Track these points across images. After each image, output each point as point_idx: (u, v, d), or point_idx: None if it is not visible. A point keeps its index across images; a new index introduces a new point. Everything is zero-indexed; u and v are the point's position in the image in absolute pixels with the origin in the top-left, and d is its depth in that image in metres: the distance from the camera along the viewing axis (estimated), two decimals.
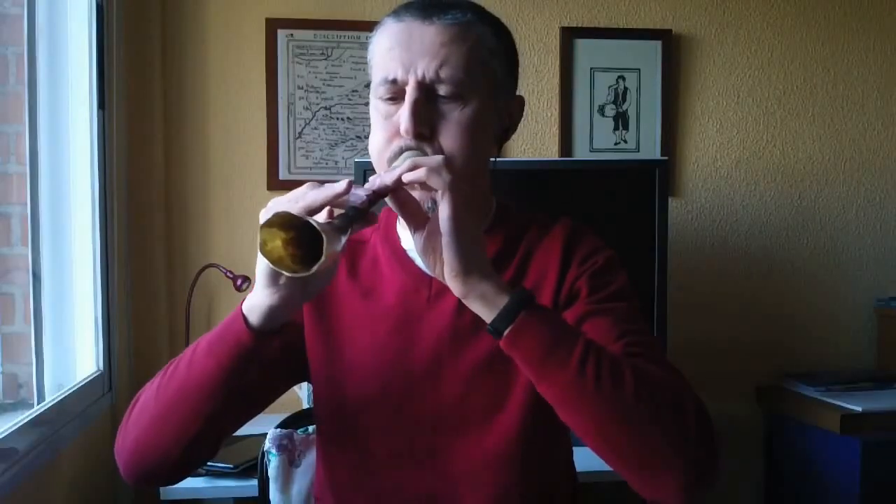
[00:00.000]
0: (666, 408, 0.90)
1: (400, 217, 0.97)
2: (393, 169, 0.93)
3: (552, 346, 0.89)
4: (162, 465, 0.99)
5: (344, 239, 0.85)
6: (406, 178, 0.91)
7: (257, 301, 0.91)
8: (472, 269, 0.90)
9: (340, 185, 0.87)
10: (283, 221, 0.82)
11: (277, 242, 0.83)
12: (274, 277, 0.88)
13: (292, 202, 0.87)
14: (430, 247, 0.94)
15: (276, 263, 0.83)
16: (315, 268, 0.81)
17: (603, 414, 0.89)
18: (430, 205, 0.98)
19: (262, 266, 0.88)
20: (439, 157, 0.93)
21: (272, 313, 0.91)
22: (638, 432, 0.89)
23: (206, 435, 0.98)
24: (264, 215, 0.84)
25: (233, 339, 0.93)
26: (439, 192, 0.89)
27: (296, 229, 0.83)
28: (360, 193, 0.90)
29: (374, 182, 0.92)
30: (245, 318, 0.92)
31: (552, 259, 1.07)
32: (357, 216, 0.87)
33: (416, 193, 0.97)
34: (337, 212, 0.92)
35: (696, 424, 0.90)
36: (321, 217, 0.85)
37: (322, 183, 0.89)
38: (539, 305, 0.92)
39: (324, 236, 0.80)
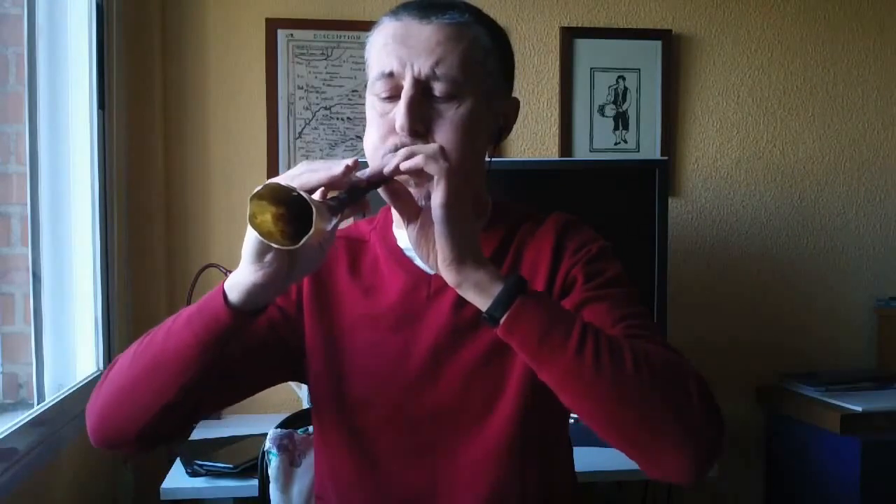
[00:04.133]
0: (667, 385, 0.89)
1: (393, 209, 0.98)
2: (391, 157, 0.93)
3: (549, 330, 0.89)
4: (127, 429, 0.99)
5: (335, 220, 0.85)
6: (404, 166, 0.91)
7: (240, 278, 0.91)
8: (466, 258, 0.91)
9: (338, 169, 0.87)
10: (274, 194, 0.82)
11: (267, 216, 0.83)
12: (260, 254, 0.88)
13: (288, 179, 0.87)
14: (423, 238, 0.95)
15: (266, 237, 0.83)
16: (304, 240, 0.80)
17: (604, 394, 0.88)
18: (423, 202, 0.99)
19: (249, 242, 0.88)
20: (435, 145, 0.93)
21: (254, 291, 0.90)
22: (640, 411, 0.88)
23: (177, 407, 0.97)
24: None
25: (210, 314, 0.93)
26: (434, 179, 0.89)
27: (286, 205, 0.83)
28: (354, 180, 0.90)
29: (370, 171, 0.93)
30: (225, 296, 0.92)
31: (544, 252, 1.08)
32: (350, 201, 0.87)
33: (412, 189, 0.98)
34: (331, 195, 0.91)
35: (699, 401, 0.90)
36: (315, 197, 0.84)
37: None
38: (534, 291, 0.92)
39: (313, 208, 0.79)
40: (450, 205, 0.89)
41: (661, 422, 0.88)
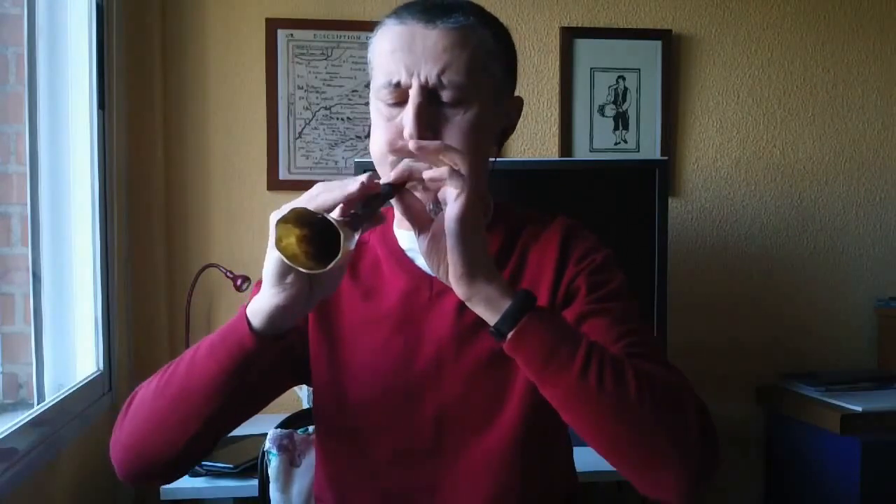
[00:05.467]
0: (668, 408, 0.90)
1: (405, 219, 0.97)
2: (427, 144, 0.93)
3: (555, 349, 0.89)
4: (157, 464, 0.99)
5: (356, 237, 0.85)
6: (427, 174, 0.91)
7: (262, 303, 0.90)
8: (478, 272, 0.90)
9: (353, 187, 0.86)
10: (298, 217, 0.82)
11: (292, 239, 0.83)
12: (281, 276, 0.88)
13: (304, 201, 0.87)
14: (434, 249, 0.94)
15: (291, 260, 0.83)
16: (332, 264, 0.80)
17: (606, 415, 0.89)
18: (431, 206, 0.98)
19: (270, 265, 0.88)
20: (463, 153, 0.93)
21: (277, 314, 0.90)
22: (640, 433, 0.89)
23: (204, 435, 0.98)
24: (277, 215, 0.84)
25: (235, 342, 0.93)
26: (454, 193, 0.89)
27: (310, 226, 0.83)
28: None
29: (384, 180, 0.92)
30: (248, 322, 0.92)
31: (548, 257, 1.08)
32: (368, 215, 0.87)
33: (419, 195, 0.97)
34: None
35: (698, 424, 0.91)
36: (334, 214, 0.84)
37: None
38: (542, 308, 0.92)
39: (340, 231, 0.80)
40: (465, 219, 0.89)
41: (659, 444, 0.89)
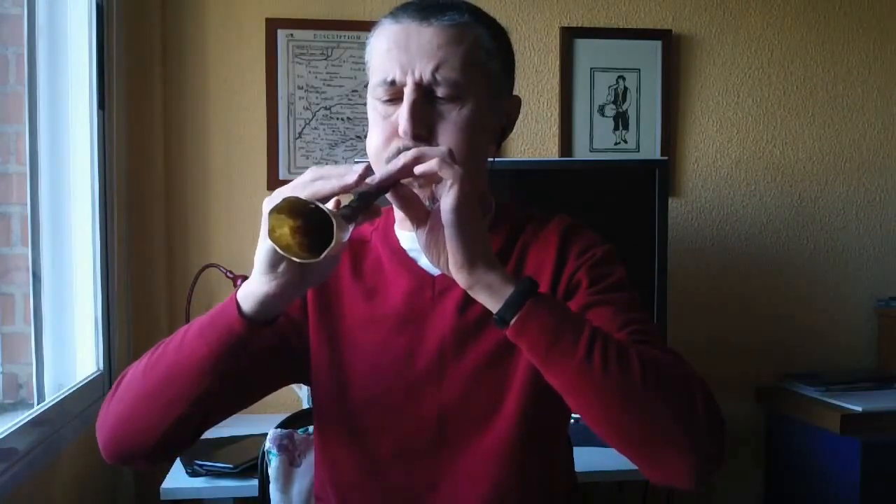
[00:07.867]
0: (673, 392, 0.90)
1: (403, 214, 0.97)
2: (396, 160, 0.92)
3: (559, 333, 0.89)
4: (141, 444, 0.99)
5: (350, 229, 0.85)
6: (418, 169, 0.90)
7: (253, 288, 0.90)
8: (478, 260, 0.90)
9: (351, 178, 0.86)
10: (292, 207, 0.82)
11: (285, 229, 0.83)
12: (273, 264, 0.87)
13: (298, 188, 0.87)
14: (434, 241, 0.94)
15: (284, 250, 0.83)
16: (324, 254, 0.80)
17: (611, 399, 0.89)
18: (429, 201, 0.98)
19: (262, 252, 0.88)
20: (443, 148, 0.92)
21: (267, 301, 0.90)
22: (646, 416, 0.89)
23: (190, 419, 0.98)
24: (269, 203, 0.84)
25: (224, 325, 0.93)
26: (448, 183, 0.89)
27: (303, 216, 0.83)
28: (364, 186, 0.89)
29: (379, 177, 0.92)
30: (238, 306, 0.92)
31: (548, 254, 1.08)
32: (363, 207, 0.87)
33: (416, 191, 0.97)
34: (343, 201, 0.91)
35: (704, 407, 0.90)
36: (329, 206, 0.84)
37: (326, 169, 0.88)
38: (544, 294, 0.92)
39: (333, 221, 0.80)
40: (460, 209, 0.89)
41: (666, 428, 0.89)
